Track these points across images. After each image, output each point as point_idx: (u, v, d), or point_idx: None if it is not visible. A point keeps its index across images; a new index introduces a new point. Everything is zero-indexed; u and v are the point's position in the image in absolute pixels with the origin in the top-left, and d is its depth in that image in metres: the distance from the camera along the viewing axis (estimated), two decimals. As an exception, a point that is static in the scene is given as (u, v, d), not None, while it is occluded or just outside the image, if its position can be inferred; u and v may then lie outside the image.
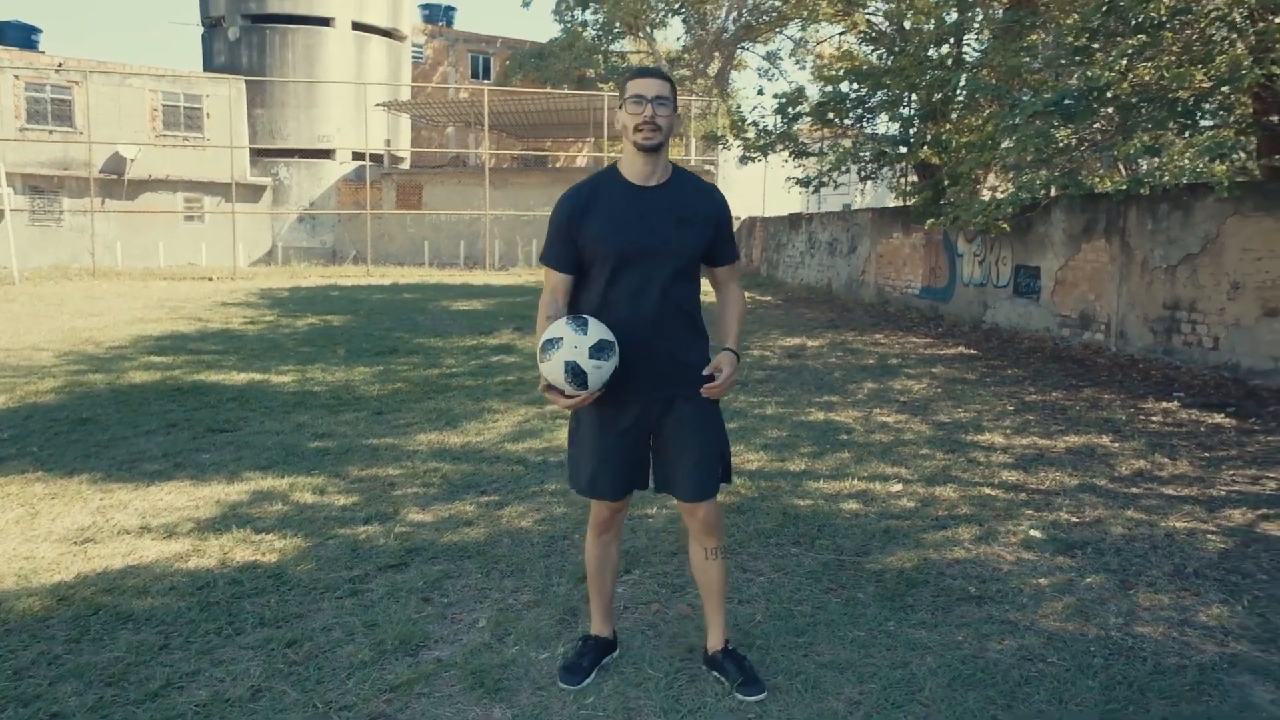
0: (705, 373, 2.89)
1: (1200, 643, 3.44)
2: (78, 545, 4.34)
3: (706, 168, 32.09)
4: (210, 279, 24.08)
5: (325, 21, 34.18)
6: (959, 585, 3.96)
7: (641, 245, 2.83)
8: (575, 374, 2.69)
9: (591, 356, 2.69)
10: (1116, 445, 6.54)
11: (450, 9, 46.72)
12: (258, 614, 3.59)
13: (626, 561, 4.12)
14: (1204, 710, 2.95)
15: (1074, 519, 4.89)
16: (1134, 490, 5.44)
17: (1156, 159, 10.28)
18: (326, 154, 34.50)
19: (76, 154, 28.77)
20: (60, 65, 28.99)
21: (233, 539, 4.43)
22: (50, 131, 28.75)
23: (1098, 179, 12.64)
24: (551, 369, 2.71)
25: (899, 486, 5.47)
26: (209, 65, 34.70)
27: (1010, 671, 3.18)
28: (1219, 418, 7.45)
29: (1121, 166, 12.81)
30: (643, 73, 2.87)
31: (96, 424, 6.84)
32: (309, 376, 8.96)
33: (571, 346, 2.69)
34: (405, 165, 38.78)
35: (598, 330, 2.73)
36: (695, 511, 3.00)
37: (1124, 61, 9.04)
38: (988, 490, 5.42)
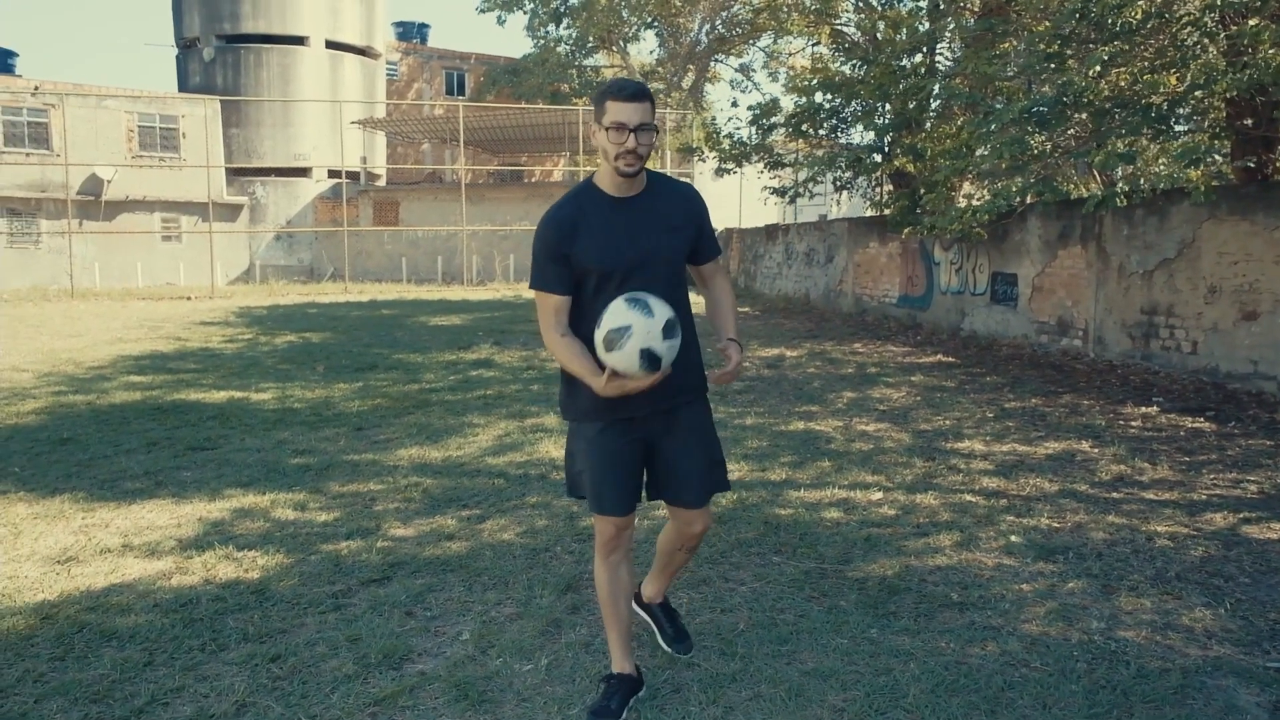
0: (717, 372, 2.89)
1: (1183, 646, 3.47)
2: (61, 564, 4.30)
3: (683, 180, 32.17)
4: (188, 298, 23.95)
5: (299, 41, 34.16)
6: (941, 592, 3.98)
7: (632, 258, 2.79)
8: (650, 359, 2.63)
9: (665, 338, 2.65)
10: (1096, 451, 6.59)
11: (424, 26, 46.85)
12: (241, 630, 3.57)
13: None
14: (1188, 713, 2.97)
15: (1055, 524, 4.92)
16: (1114, 495, 5.49)
17: (1131, 166, 10.39)
18: (303, 172, 34.43)
19: (53, 176, 28.62)
20: (37, 88, 28.88)
21: (215, 556, 4.40)
22: (27, 154, 28.62)
23: (1073, 185, 12.77)
24: (625, 358, 2.63)
25: (880, 494, 5.49)
26: (184, 86, 34.63)
27: (993, 677, 3.20)
28: (1198, 422, 7.52)
29: (1097, 174, 12.94)
30: (622, 92, 2.71)
31: (77, 444, 6.79)
32: (289, 394, 8.92)
33: (645, 332, 2.62)
34: (381, 182, 38.76)
35: (661, 309, 2.67)
36: (694, 524, 3.04)
37: (1097, 68, 9.13)
38: (968, 497, 5.45)
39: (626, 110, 2.69)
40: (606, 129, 2.71)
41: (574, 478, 3.04)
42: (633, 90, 2.72)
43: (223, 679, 3.20)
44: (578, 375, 2.78)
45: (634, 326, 2.62)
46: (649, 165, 2.91)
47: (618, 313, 2.65)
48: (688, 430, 2.96)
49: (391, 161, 41.49)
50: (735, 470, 6.02)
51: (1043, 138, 9.98)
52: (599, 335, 2.67)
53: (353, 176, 35.00)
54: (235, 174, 33.41)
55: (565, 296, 2.84)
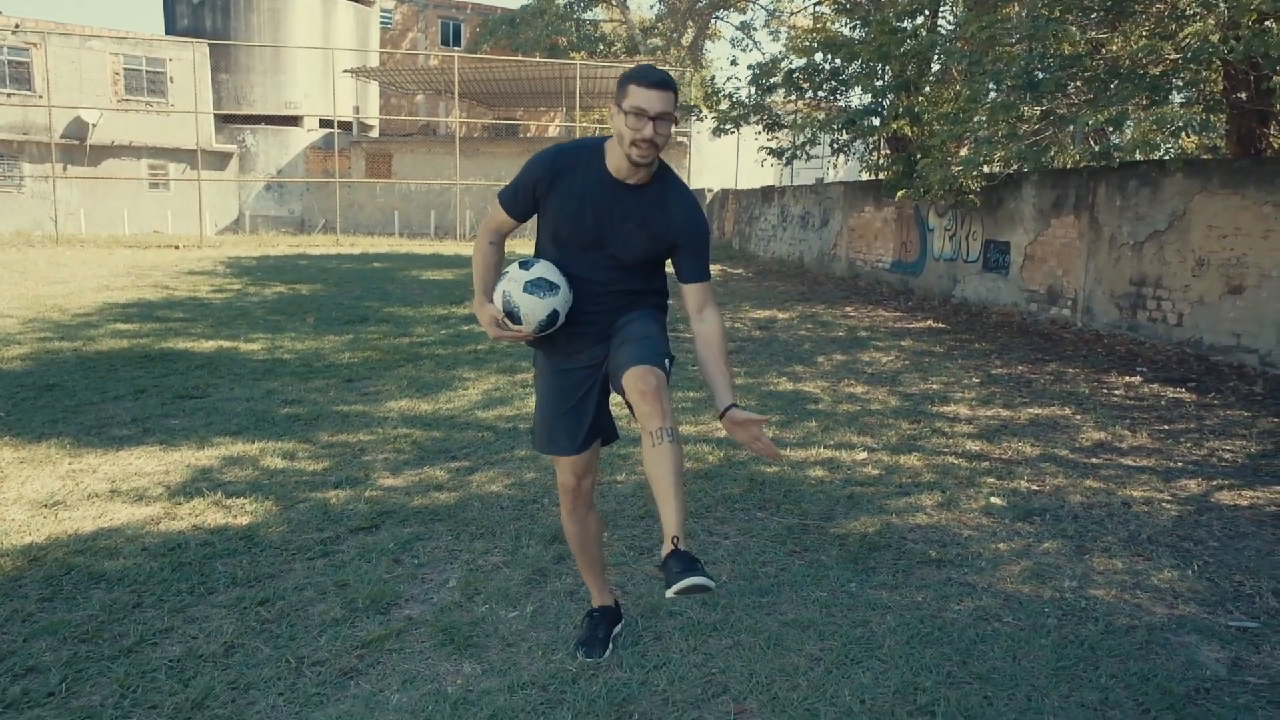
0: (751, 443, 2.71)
1: (1151, 605, 3.55)
2: (48, 508, 4.34)
3: (679, 139, 32.02)
4: (176, 247, 23.80)
5: (292, -15, 33.68)
6: (920, 549, 4.06)
7: (591, 240, 2.79)
8: (507, 307, 2.75)
9: (526, 290, 2.72)
10: (1079, 417, 6.67)
11: (421, -26, 46.16)
12: (230, 574, 3.63)
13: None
14: (1151, 667, 3.06)
15: (1034, 487, 5.01)
16: (1094, 461, 5.57)
17: (1128, 133, 10.38)
18: (294, 121, 34.10)
19: (36, 118, 28.27)
20: (18, 26, 28.38)
21: (204, 502, 4.44)
22: (9, 95, 28.22)
23: (1070, 155, 12.75)
24: (496, 297, 2.79)
25: (864, 454, 5.56)
26: (172, 29, 34.12)
27: (967, 630, 3.28)
28: (1180, 392, 7.61)
29: (1092, 140, 12.92)
30: (647, 79, 2.62)
31: (64, 390, 6.80)
32: (278, 344, 8.93)
33: (510, 279, 2.76)
34: (374, 133, 38.43)
35: (541, 269, 2.76)
36: (634, 383, 2.60)
37: (1091, 33, 9.09)
38: (951, 459, 5.52)
39: (649, 97, 2.60)
40: (626, 113, 2.62)
41: (535, 426, 3.08)
42: (658, 79, 2.64)
43: (211, 621, 3.25)
44: (474, 285, 2.91)
45: (508, 272, 2.80)
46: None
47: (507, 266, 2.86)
48: (626, 322, 2.83)
49: (385, 112, 41.11)
50: (723, 428, 6.07)
51: (1036, 106, 9.95)
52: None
53: (345, 127, 34.67)
54: (224, 121, 33.07)
55: (513, 220, 2.94)
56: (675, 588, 2.39)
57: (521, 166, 2.88)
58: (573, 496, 3.04)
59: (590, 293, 2.83)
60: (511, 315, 2.74)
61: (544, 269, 2.77)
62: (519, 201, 2.88)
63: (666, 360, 2.73)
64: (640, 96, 2.61)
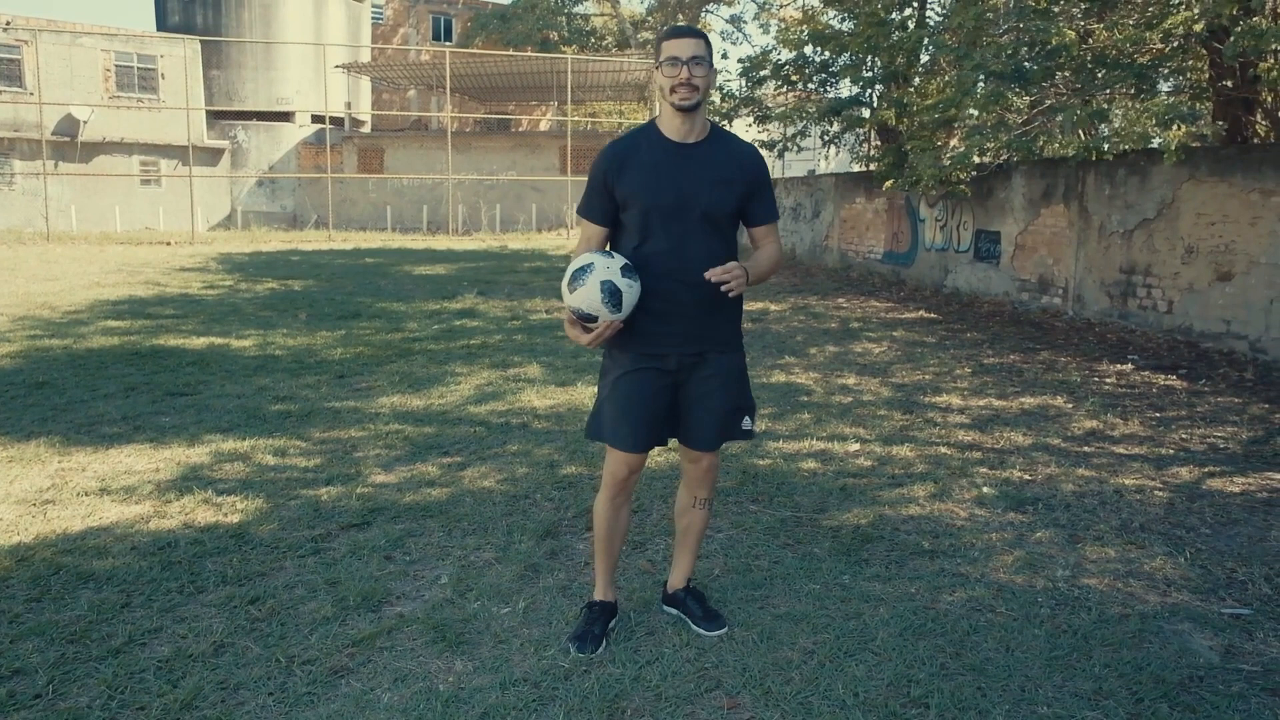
0: (716, 276, 2.81)
1: (1143, 593, 3.55)
2: (36, 507, 4.31)
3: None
4: (168, 243, 23.72)
5: (283, -20, 33.51)
6: (913, 540, 4.05)
7: (675, 202, 2.88)
8: (611, 294, 2.77)
9: (623, 275, 2.80)
10: (1070, 406, 6.67)
11: (411, -31, 45.98)
12: (220, 572, 3.61)
13: (588, 520, 4.17)
14: (1144, 656, 3.05)
15: (1026, 477, 5.00)
16: (1086, 449, 5.57)
17: (1114, 124, 10.39)
18: (285, 117, 33.96)
19: (27, 115, 28.13)
20: (9, 23, 28.23)
21: (194, 500, 4.42)
22: (0, 92, 28.07)
23: (1058, 145, 12.72)
24: (588, 293, 2.78)
25: (857, 446, 5.56)
26: (163, 25, 33.98)
27: (960, 621, 3.28)
28: (1171, 379, 7.62)
29: (1081, 133, 12.93)
30: (677, 32, 2.88)
31: (53, 388, 6.77)
32: (270, 341, 8.90)
33: (604, 268, 2.79)
34: (366, 128, 38.31)
35: (621, 257, 2.87)
36: (700, 461, 3.11)
37: (1080, 24, 9.09)
38: (943, 449, 5.52)
39: (679, 45, 2.83)
40: (663, 65, 2.84)
41: (597, 414, 3.09)
42: (684, 29, 2.90)
43: (201, 620, 3.23)
44: None
45: (595, 264, 2.81)
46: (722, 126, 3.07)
47: (583, 257, 2.85)
48: (713, 375, 3.01)
49: (376, 108, 40.96)
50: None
51: (1024, 97, 9.95)
52: (563, 283, 2.85)
53: (337, 122, 34.57)
54: (216, 117, 32.94)
55: (601, 228, 3.01)
56: (712, 633, 3.16)
57: (588, 179, 3.03)
58: (619, 485, 3.08)
59: (678, 271, 2.88)
60: (615, 301, 2.80)
61: (621, 257, 2.89)
62: (598, 204, 2.97)
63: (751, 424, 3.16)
64: (671, 47, 2.84)
